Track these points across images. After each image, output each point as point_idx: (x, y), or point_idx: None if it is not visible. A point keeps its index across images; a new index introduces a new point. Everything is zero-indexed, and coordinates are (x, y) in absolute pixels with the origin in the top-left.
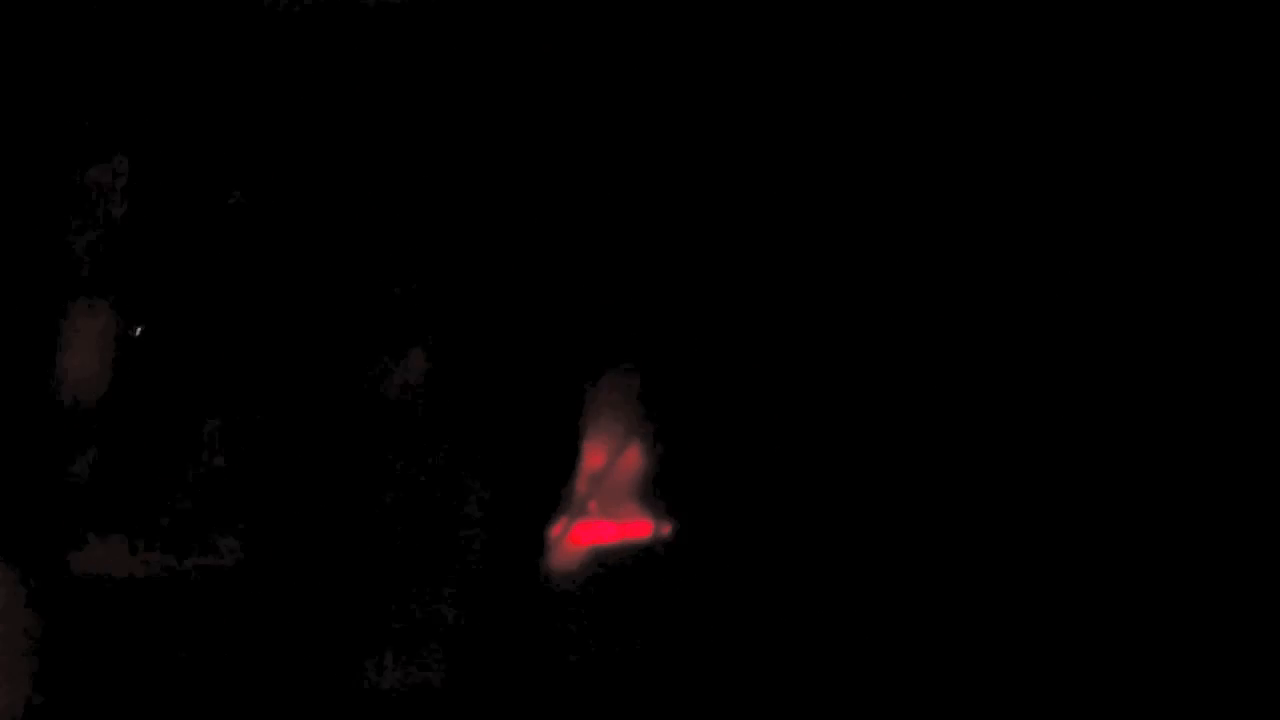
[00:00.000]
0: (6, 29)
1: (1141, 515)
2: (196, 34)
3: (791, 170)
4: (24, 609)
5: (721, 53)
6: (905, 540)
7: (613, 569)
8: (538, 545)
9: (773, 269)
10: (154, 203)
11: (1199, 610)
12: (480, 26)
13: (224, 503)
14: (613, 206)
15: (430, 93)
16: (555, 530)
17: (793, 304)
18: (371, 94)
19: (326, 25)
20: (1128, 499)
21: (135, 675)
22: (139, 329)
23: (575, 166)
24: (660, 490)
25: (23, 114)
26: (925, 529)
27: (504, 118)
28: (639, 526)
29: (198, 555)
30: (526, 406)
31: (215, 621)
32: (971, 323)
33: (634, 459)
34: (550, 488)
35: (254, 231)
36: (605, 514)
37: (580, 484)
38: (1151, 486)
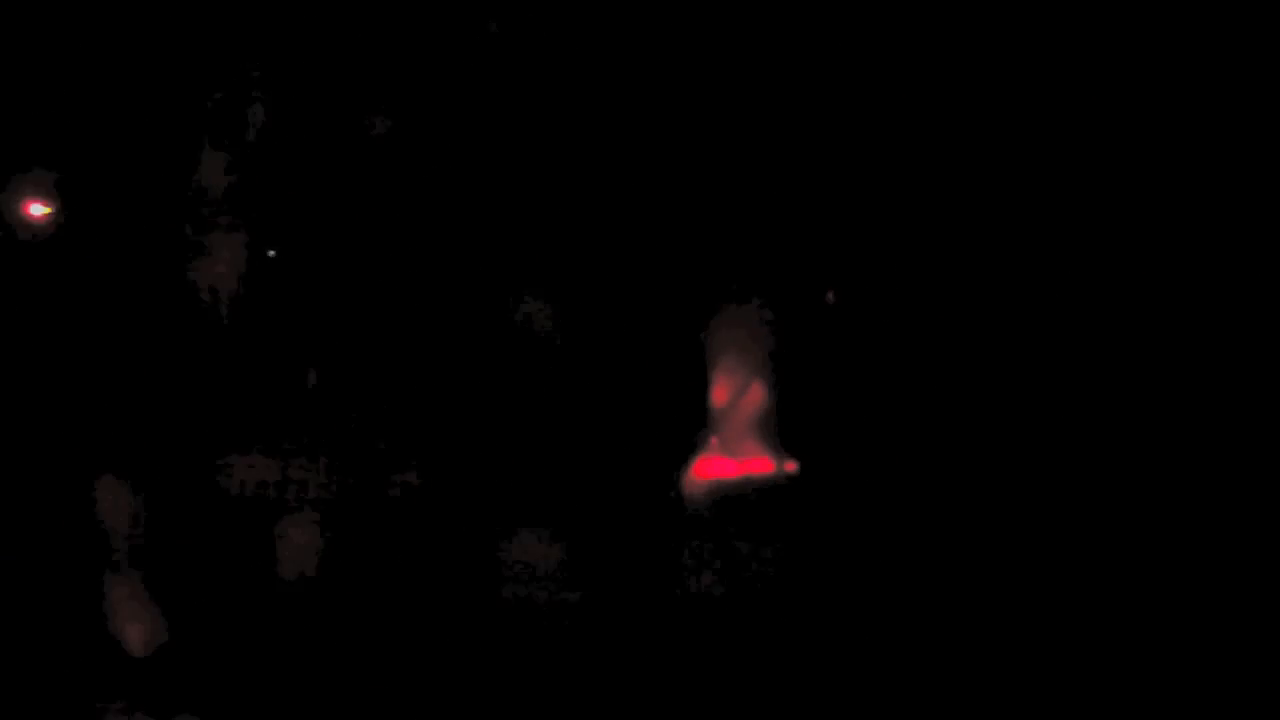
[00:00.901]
0: None
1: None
2: None
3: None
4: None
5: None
6: (1020, 484)
7: (733, 503)
8: (663, 478)
9: (894, 216)
10: (294, 132)
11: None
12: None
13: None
14: (746, 154)
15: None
16: (681, 465)
17: (911, 248)
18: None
19: None
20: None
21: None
22: (272, 251)
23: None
24: (781, 428)
25: (176, 50)
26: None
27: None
28: (760, 463)
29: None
30: (652, 346)
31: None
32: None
33: (756, 397)
34: (675, 424)
35: (389, 163)
36: (727, 451)
37: (705, 421)
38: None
